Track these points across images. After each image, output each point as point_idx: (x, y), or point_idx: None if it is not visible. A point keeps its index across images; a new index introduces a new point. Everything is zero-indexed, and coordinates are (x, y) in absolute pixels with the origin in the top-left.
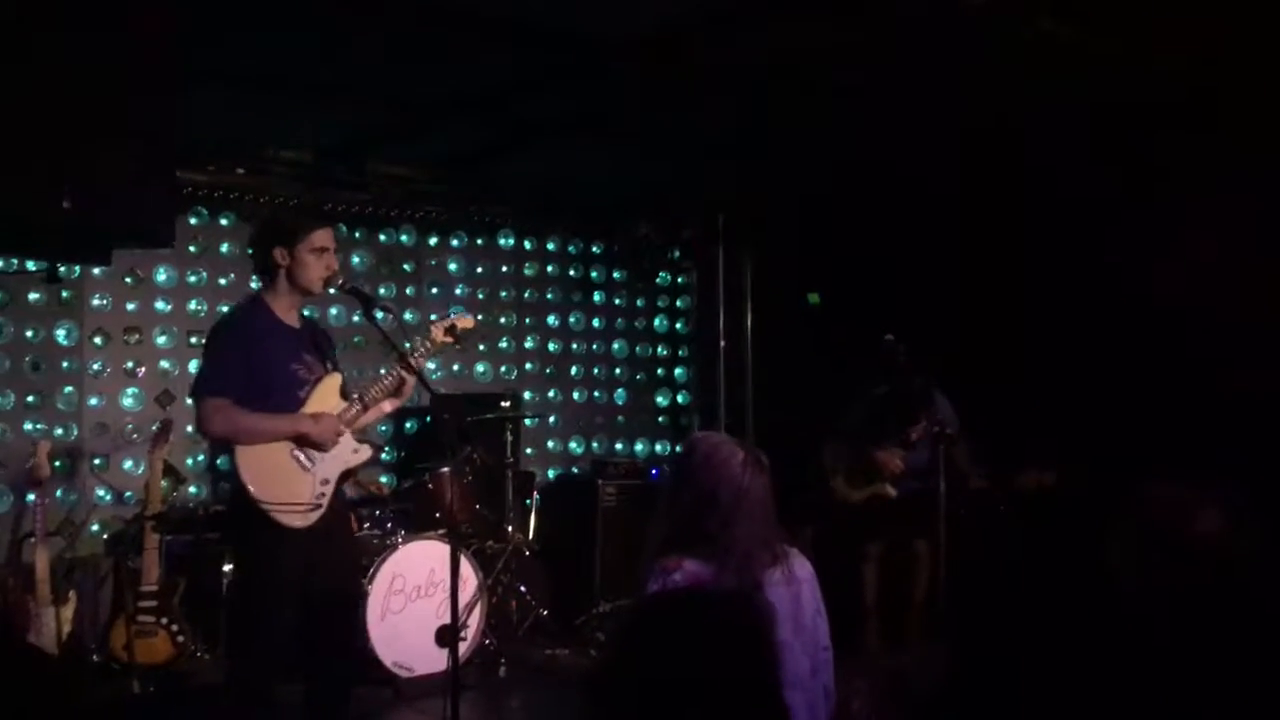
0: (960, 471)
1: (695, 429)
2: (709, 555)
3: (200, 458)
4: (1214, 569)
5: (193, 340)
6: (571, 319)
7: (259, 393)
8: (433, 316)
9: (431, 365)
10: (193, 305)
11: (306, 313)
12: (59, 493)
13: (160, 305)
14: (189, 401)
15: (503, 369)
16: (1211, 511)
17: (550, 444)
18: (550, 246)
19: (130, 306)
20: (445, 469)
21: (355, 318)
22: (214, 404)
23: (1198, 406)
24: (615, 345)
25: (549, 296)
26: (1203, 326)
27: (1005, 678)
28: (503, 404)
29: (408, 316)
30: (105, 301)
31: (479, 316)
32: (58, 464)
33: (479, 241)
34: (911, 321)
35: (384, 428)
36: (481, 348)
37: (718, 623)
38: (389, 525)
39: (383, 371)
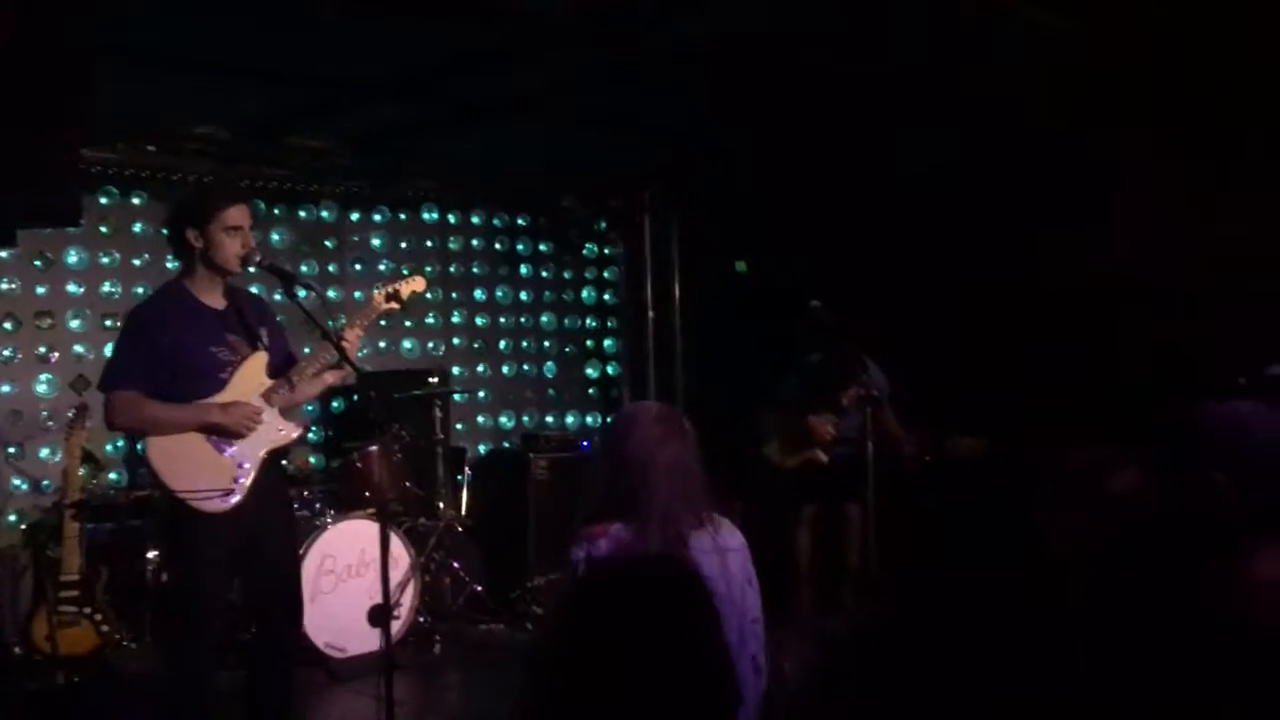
0: (892, 436)
1: (625, 400)
2: (631, 520)
3: (120, 443)
4: (1133, 526)
5: (107, 323)
6: (499, 293)
7: (176, 379)
8: (357, 294)
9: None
10: (106, 287)
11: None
12: None
13: (72, 288)
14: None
15: (430, 345)
16: (1130, 472)
17: (480, 419)
18: (475, 220)
19: (40, 290)
20: (374, 447)
21: (276, 296)
22: (119, 397)
23: (1123, 369)
24: (543, 318)
25: (475, 270)
26: (1132, 293)
27: (937, 639)
28: (431, 380)
29: (331, 294)
30: (14, 285)
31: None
32: None
33: (402, 216)
34: (841, 289)
35: (311, 407)
36: (408, 324)
37: (647, 583)
38: (318, 505)
39: (307, 351)
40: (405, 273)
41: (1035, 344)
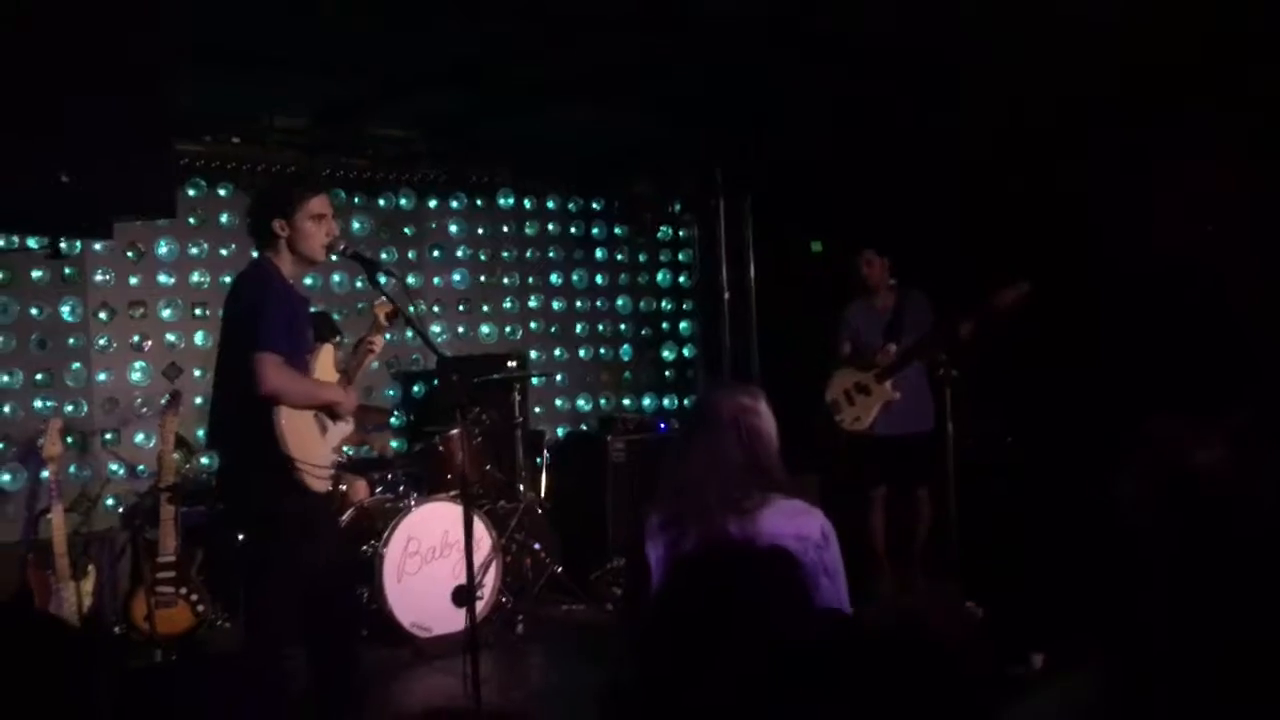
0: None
1: (700, 383)
2: (670, 513)
3: None
4: (1221, 504)
5: (197, 312)
6: (574, 277)
7: (289, 354)
8: (436, 280)
9: (436, 329)
10: (195, 277)
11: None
12: (72, 469)
13: (163, 278)
14: (196, 373)
15: (507, 329)
16: (1215, 444)
17: (558, 402)
18: (550, 205)
19: (133, 281)
20: (455, 431)
21: (358, 283)
22: (271, 360)
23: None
24: (619, 301)
25: (551, 255)
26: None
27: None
28: (509, 364)
29: (410, 280)
30: (108, 277)
31: (482, 278)
32: (69, 440)
33: (479, 202)
34: (918, 268)
35: (392, 391)
36: (486, 309)
37: (722, 568)
38: (401, 488)
39: (344, 340)
40: (482, 258)
41: (1110, 322)
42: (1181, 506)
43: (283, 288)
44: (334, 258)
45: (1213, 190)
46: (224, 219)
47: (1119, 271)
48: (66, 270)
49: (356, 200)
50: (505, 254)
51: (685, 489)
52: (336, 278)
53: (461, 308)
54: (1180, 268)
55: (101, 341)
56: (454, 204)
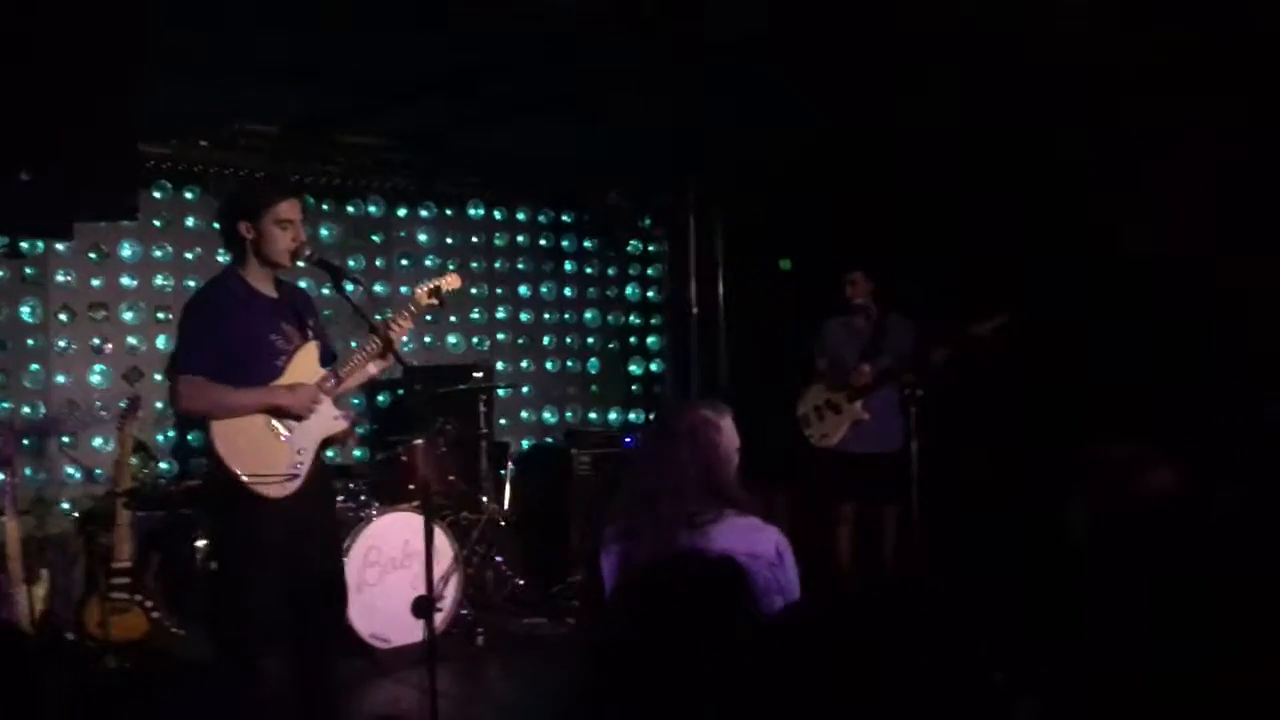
0: (920, 354)
1: (667, 397)
2: (626, 523)
3: (170, 433)
4: (1170, 529)
5: (160, 316)
6: (543, 289)
7: (236, 365)
8: (403, 289)
9: (403, 338)
10: (159, 280)
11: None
12: (28, 471)
13: (126, 281)
14: (157, 378)
15: (475, 340)
16: (1165, 470)
17: (524, 414)
18: (520, 216)
19: (95, 282)
20: (418, 441)
21: (324, 290)
22: (187, 382)
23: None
24: (587, 314)
25: (520, 266)
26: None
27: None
28: (475, 375)
29: (378, 288)
30: (70, 278)
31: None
32: (26, 442)
33: (448, 212)
34: (892, 288)
35: (356, 400)
36: (453, 319)
37: (672, 583)
38: (363, 498)
39: (354, 345)
40: (451, 267)
41: (1087, 342)
42: (1130, 530)
43: (237, 298)
44: (300, 264)
45: (1206, 213)
46: (189, 222)
47: (1099, 287)
48: (27, 270)
49: (325, 207)
50: (474, 264)
51: (640, 500)
52: (303, 283)
53: (429, 317)
54: (1162, 283)
55: (61, 343)
56: (423, 213)
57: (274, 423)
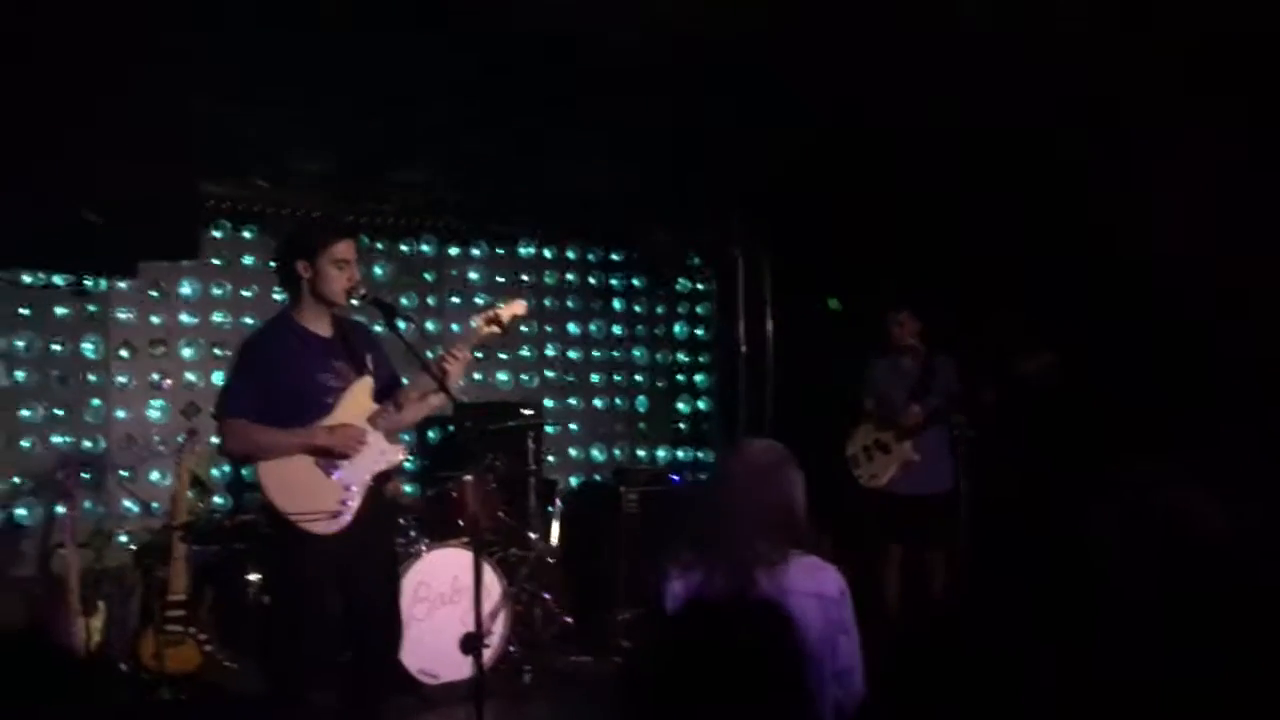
0: (968, 393)
1: (715, 435)
2: (700, 554)
3: (226, 468)
4: (1201, 552)
5: (217, 352)
6: (592, 327)
7: (284, 406)
8: (454, 326)
9: (462, 372)
10: (217, 318)
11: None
12: (87, 505)
13: (185, 318)
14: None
15: (524, 377)
16: (1197, 493)
17: (572, 451)
18: (570, 255)
19: (155, 320)
20: (468, 477)
21: (377, 327)
22: (231, 424)
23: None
24: (635, 352)
25: (569, 305)
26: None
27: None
28: (524, 412)
29: (429, 326)
30: (131, 315)
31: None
32: (85, 476)
33: (499, 251)
34: (940, 328)
35: (407, 436)
36: (503, 356)
37: (727, 625)
38: (412, 533)
39: (405, 382)
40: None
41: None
42: (1161, 550)
43: (289, 340)
44: (354, 302)
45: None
46: (247, 260)
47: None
48: (90, 308)
49: (379, 246)
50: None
51: (719, 534)
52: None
53: (479, 355)
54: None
55: (121, 379)
56: (475, 252)
57: (321, 461)
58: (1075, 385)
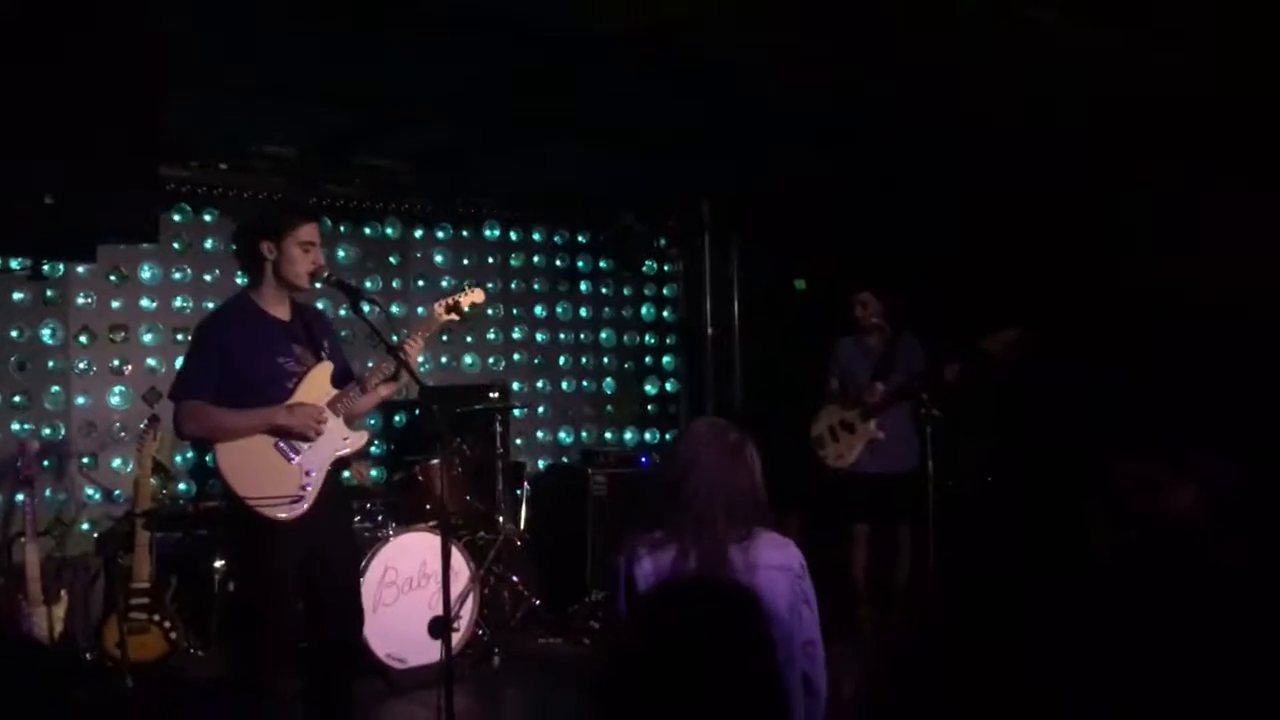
0: (932, 371)
1: (683, 417)
2: (670, 531)
3: (189, 454)
4: (1187, 543)
5: (179, 337)
6: (559, 309)
7: (242, 388)
8: (419, 310)
9: (419, 358)
10: (178, 302)
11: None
12: (48, 492)
13: (145, 303)
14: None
15: (490, 360)
16: (1185, 487)
17: (540, 434)
18: (536, 237)
19: (115, 304)
20: (435, 461)
21: (342, 311)
22: (189, 405)
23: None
24: (603, 335)
25: (536, 287)
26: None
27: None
28: (491, 395)
29: (394, 309)
30: (90, 300)
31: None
32: (46, 463)
33: (464, 234)
34: (905, 307)
35: (373, 420)
36: (469, 339)
37: (695, 603)
38: (379, 518)
39: (369, 365)
40: (466, 286)
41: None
42: (1153, 549)
43: (246, 321)
44: (317, 285)
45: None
46: (208, 244)
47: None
48: (48, 292)
49: (342, 229)
50: (490, 285)
51: (692, 509)
52: (320, 304)
53: (444, 338)
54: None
55: (81, 365)
56: (440, 234)
57: (280, 444)
58: (1041, 362)
